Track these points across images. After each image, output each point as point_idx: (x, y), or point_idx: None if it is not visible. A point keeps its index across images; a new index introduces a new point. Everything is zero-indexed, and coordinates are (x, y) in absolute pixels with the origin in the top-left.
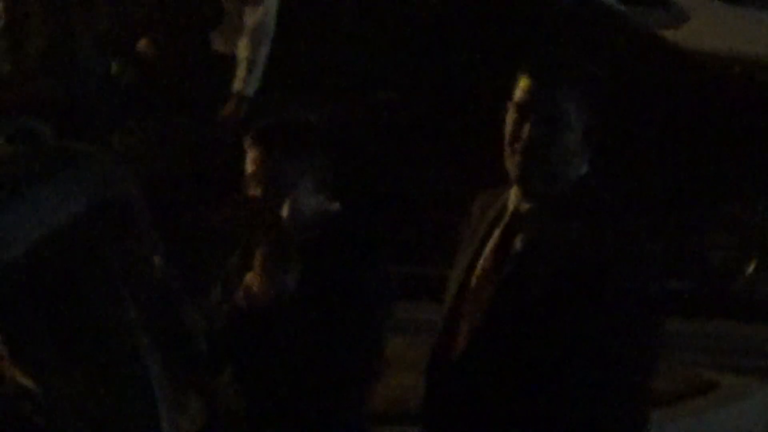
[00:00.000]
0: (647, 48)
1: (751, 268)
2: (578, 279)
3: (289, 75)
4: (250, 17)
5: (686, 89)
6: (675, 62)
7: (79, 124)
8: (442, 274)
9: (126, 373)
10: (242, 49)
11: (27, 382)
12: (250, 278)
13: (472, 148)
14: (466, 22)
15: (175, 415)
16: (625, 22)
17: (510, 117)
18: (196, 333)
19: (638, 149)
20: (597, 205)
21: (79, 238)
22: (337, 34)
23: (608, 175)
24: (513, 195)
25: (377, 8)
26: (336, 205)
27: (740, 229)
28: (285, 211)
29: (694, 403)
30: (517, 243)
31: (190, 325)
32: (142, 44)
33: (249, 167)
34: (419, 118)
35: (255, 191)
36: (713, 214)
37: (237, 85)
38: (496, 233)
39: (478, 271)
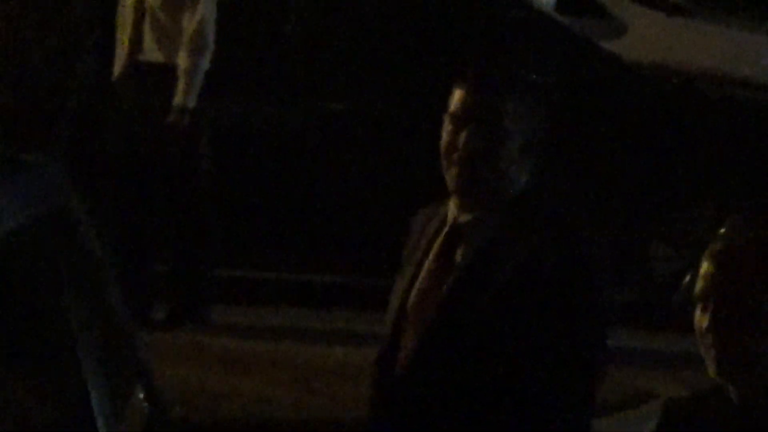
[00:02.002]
0: (587, 59)
1: (690, 279)
2: (521, 291)
3: (232, 83)
4: (188, 26)
5: (626, 101)
6: (614, 73)
7: (27, 132)
8: (385, 285)
9: (63, 376)
10: (182, 59)
11: None
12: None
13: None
14: (411, 31)
15: (112, 419)
16: (566, 33)
17: (446, 127)
18: (134, 337)
19: (581, 161)
20: (540, 216)
21: (24, 245)
22: (280, 41)
23: (550, 186)
24: (452, 206)
25: (321, 15)
26: None
27: (682, 240)
28: None
29: (632, 413)
30: (458, 256)
31: (128, 330)
32: None
33: None
34: (370, 126)
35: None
36: (656, 225)
37: (178, 97)
38: (437, 246)
39: (420, 284)
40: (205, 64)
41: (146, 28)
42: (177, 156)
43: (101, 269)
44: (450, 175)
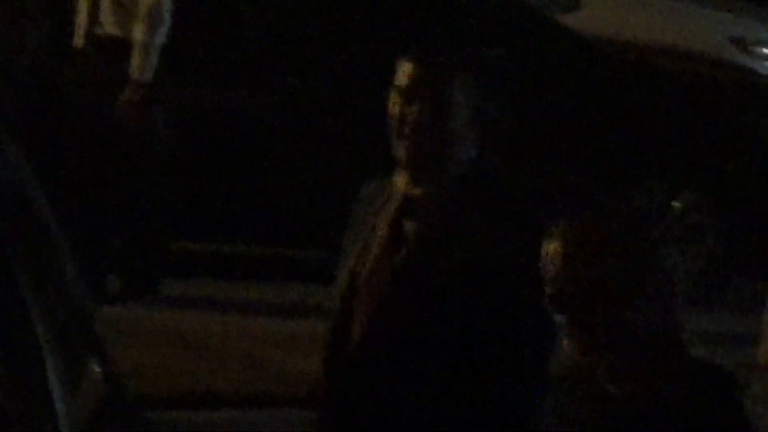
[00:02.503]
0: (543, 33)
1: None
2: (472, 265)
3: (188, 59)
4: (144, 0)
5: (578, 75)
6: (570, 47)
7: None
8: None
9: (17, 347)
10: (138, 33)
11: None
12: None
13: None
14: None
15: (69, 394)
16: (516, 7)
17: (394, 101)
18: (89, 311)
19: (535, 136)
20: (490, 191)
21: None
22: (238, 17)
23: (503, 161)
24: (401, 180)
25: None
26: None
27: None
28: None
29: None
30: (408, 229)
31: (83, 304)
32: None
33: None
34: (320, 102)
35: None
36: (610, 203)
37: (133, 71)
38: (386, 219)
39: (371, 257)
40: (161, 38)
41: (103, 0)
42: (132, 129)
43: (56, 243)
44: (399, 149)
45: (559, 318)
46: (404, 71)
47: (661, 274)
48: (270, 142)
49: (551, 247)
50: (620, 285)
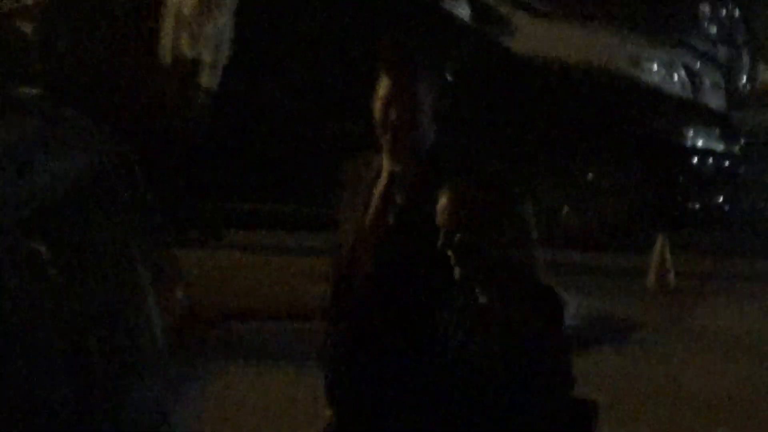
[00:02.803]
0: (485, 52)
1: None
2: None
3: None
4: (210, 25)
5: (513, 83)
6: (507, 63)
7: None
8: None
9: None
10: (206, 54)
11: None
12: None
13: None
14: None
15: (158, 311)
16: (467, 29)
17: (378, 107)
18: (174, 253)
19: (478, 128)
20: (450, 160)
21: (98, 176)
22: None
23: (455, 145)
24: (386, 160)
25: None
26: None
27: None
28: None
29: None
30: (396, 197)
31: (170, 247)
32: None
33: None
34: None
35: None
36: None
37: (204, 83)
38: (379, 189)
39: (370, 217)
40: (223, 60)
41: (181, 32)
42: (200, 122)
43: (151, 200)
44: (385, 140)
45: (449, 252)
46: (384, 84)
47: (518, 221)
48: (289, 125)
49: (442, 200)
50: (488, 227)
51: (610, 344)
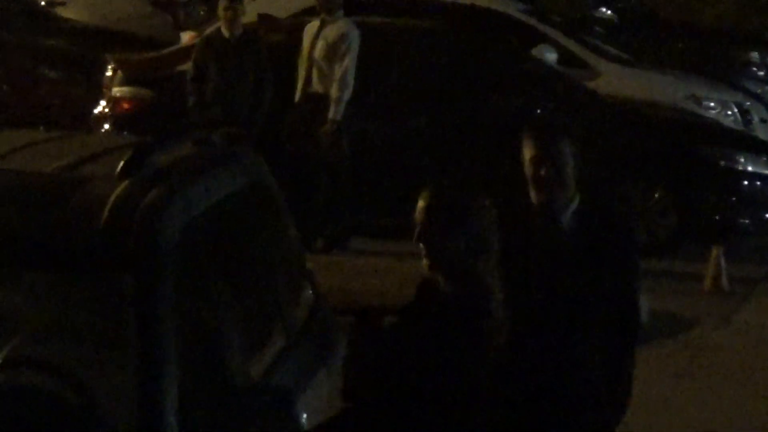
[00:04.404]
0: (585, 98)
1: None
2: (593, 250)
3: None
4: (338, 68)
5: (599, 119)
6: (592, 102)
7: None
8: None
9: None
10: (334, 91)
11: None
12: None
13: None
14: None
15: (294, 299)
16: (571, 82)
17: (528, 166)
18: (304, 259)
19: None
20: (590, 204)
21: (241, 202)
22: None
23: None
24: (536, 204)
25: (406, 71)
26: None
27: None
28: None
29: None
30: (539, 232)
31: (302, 253)
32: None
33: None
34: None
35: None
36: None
37: (332, 115)
38: (527, 225)
39: (516, 247)
40: (348, 95)
41: (313, 72)
42: (329, 147)
43: (288, 221)
44: (535, 194)
45: (420, 246)
46: (531, 145)
47: (474, 221)
48: (405, 154)
49: (419, 203)
50: (450, 228)
51: (674, 338)
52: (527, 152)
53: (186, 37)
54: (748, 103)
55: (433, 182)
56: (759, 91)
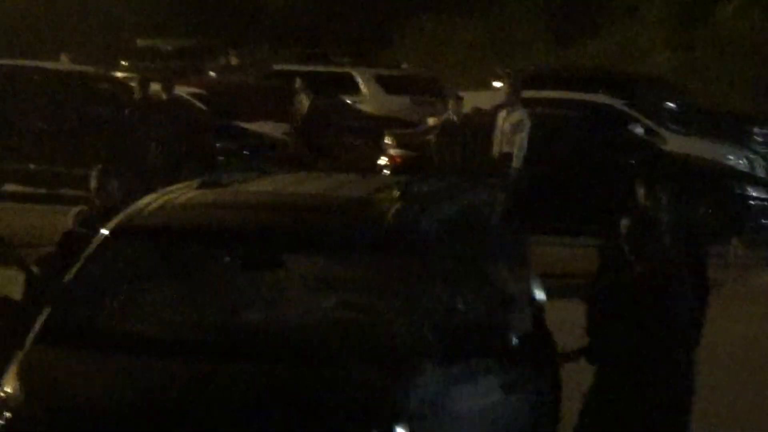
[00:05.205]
0: (655, 153)
1: None
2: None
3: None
4: (518, 139)
5: (669, 170)
6: (665, 160)
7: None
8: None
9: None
10: (515, 150)
11: None
12: None
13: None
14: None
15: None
16: (645, 142)
17: (642, 198)
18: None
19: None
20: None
21: (469, 213)
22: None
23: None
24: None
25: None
26: None
27: None
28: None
29: None
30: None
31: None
32: None
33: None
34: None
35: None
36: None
37: (514, 164)
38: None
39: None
40: (523, 152)
41: (498, 138)
42: (512, 182)
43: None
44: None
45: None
46: (642, 194)
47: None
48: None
49: (623, 221)
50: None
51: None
52: (639, 191)
53: (431, 120)
54: (752, 155)
55: (629, 206)
56: (759, 149)
